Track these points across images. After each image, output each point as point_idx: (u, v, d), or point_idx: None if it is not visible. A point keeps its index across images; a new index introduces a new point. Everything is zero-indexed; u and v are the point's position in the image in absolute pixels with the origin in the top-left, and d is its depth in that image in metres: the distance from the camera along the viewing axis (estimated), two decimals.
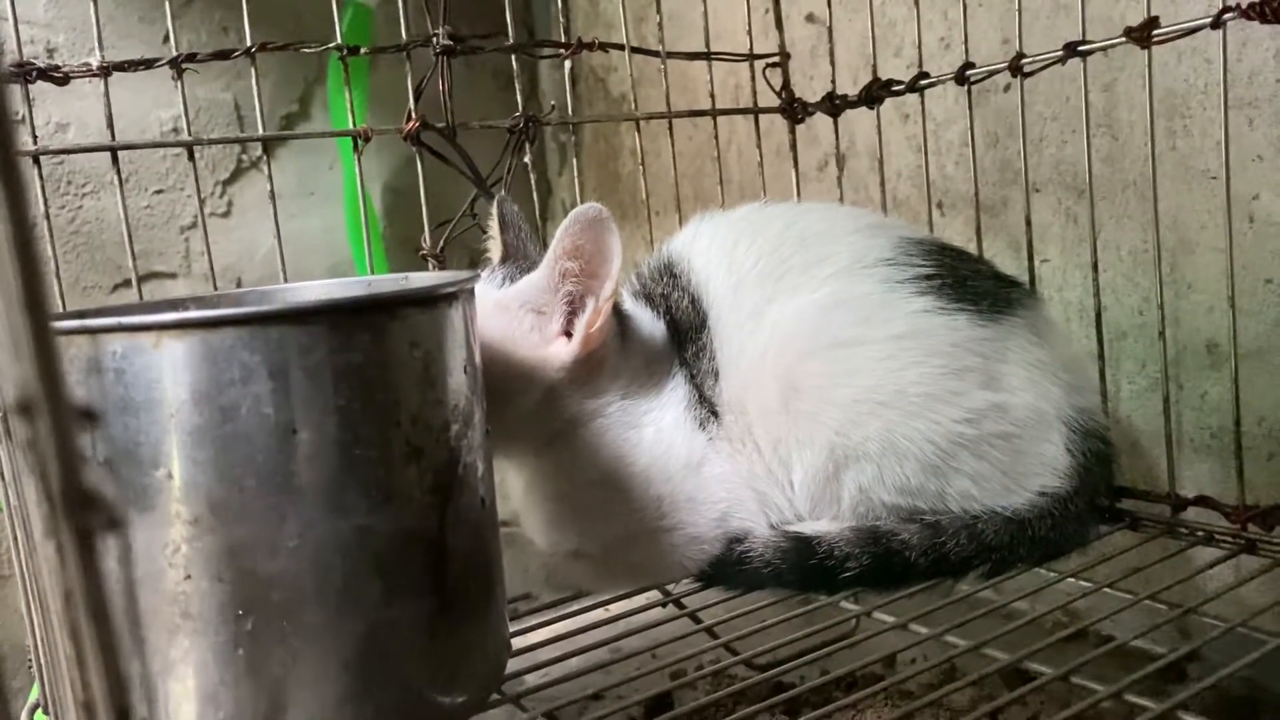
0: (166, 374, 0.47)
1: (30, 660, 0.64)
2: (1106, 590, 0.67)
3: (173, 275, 1.46)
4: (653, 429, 0.74)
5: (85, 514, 0.18)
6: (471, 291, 0.58)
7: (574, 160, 1.07)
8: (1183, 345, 0.86)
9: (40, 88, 0.74)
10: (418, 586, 0.52)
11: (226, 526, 0.48)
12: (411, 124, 0.79)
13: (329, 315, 0.50)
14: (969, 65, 0.84)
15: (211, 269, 0.79)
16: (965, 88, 0.85)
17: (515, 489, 0.77)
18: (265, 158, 0.81)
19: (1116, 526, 0.76)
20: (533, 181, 0.86)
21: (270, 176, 0.79)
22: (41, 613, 0.53)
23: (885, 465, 0.70)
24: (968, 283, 0.74)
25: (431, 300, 0.53)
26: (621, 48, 0.90)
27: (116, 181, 0.74)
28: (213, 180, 1.47)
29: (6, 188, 0.17)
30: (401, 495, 0.52)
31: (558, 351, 0.72)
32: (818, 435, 0.71)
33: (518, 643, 0.66)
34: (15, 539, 0.59)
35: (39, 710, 0.66)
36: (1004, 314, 0.73)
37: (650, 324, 0.77)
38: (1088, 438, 0.73)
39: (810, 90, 1.03)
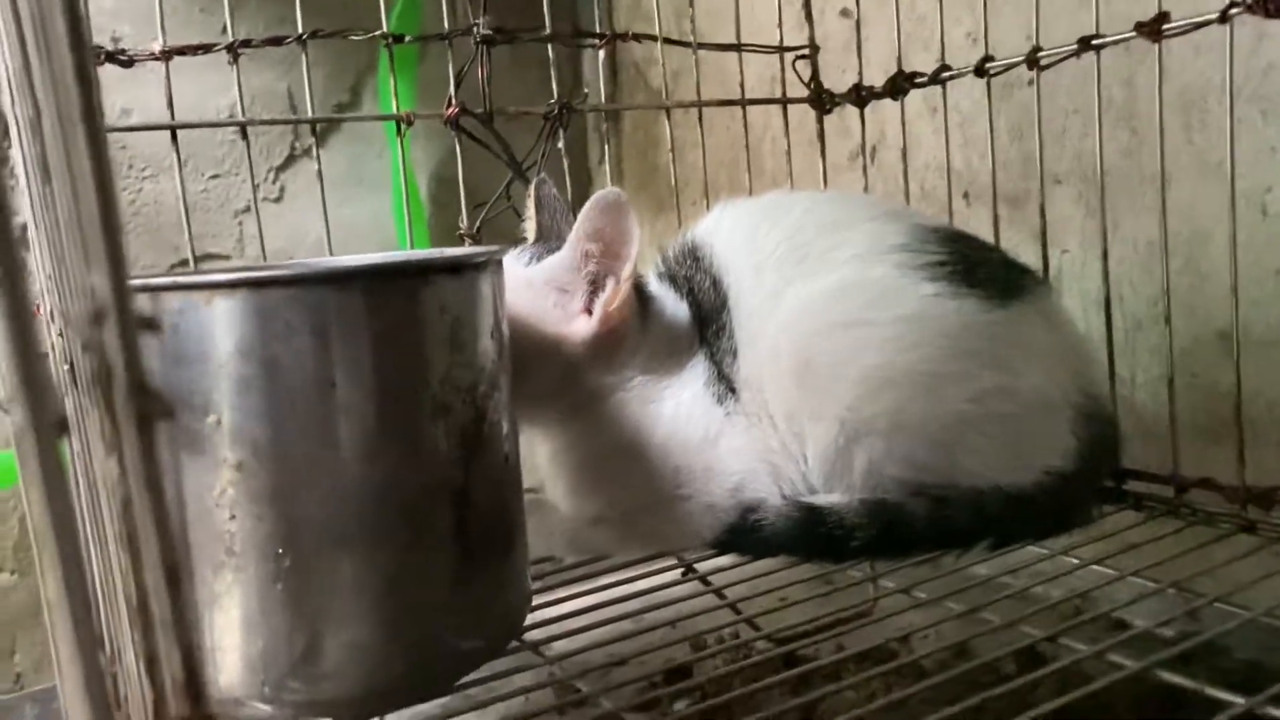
0: (217, 329, 0.51)
1: None
2: (1098, 567, 0.70)
3: (226, 257, 1.52)
4: (672, 403, 0.78)
5: (145, 400, 0.22)
6: (499, 263, 0.62)
7: (612, 149, 1.11)
8: (1196, 335, 0.88)
9: (106, 76, 0.79)
10: (443, 534, 0.57)
11: (268, 471, 0.52)
12: (451, 110, 0.83)
13: (365, 279, 0.54)
14: (988, 59, 0.87)
15: (263, 250, 0.84)
16: (985, 81, 0.88)
17: (542, 456, 0.81)
18: (315, 144, 0.85)
19: (1120, 506, 0.78)
20: (566, 168, 0.90)
21: (318, 158, 0.83)
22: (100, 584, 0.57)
23: (893, 441, 0.73)
24: (979, 269, 0.76)
25: (460, 268, 0.57)
26: (655, 39, 0.93)
27: (175, 160, 0.79)
28: (266, 166, 1.53)
29: (96, 169, 0.21)
30: (429, 448, 0.56)
31: (579, 328, 0.76)
32: (828, 411, 0.74)
33: (542, 613, 0.70)
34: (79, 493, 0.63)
35: None
36: (1014, 299, 0.76)
37: (673, 304, 0.81)
38: (1093, 421, 0.75)
39: (845, 83, 1.06)
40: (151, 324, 0.22)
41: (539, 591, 0.72)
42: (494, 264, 0.61)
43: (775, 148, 1.28)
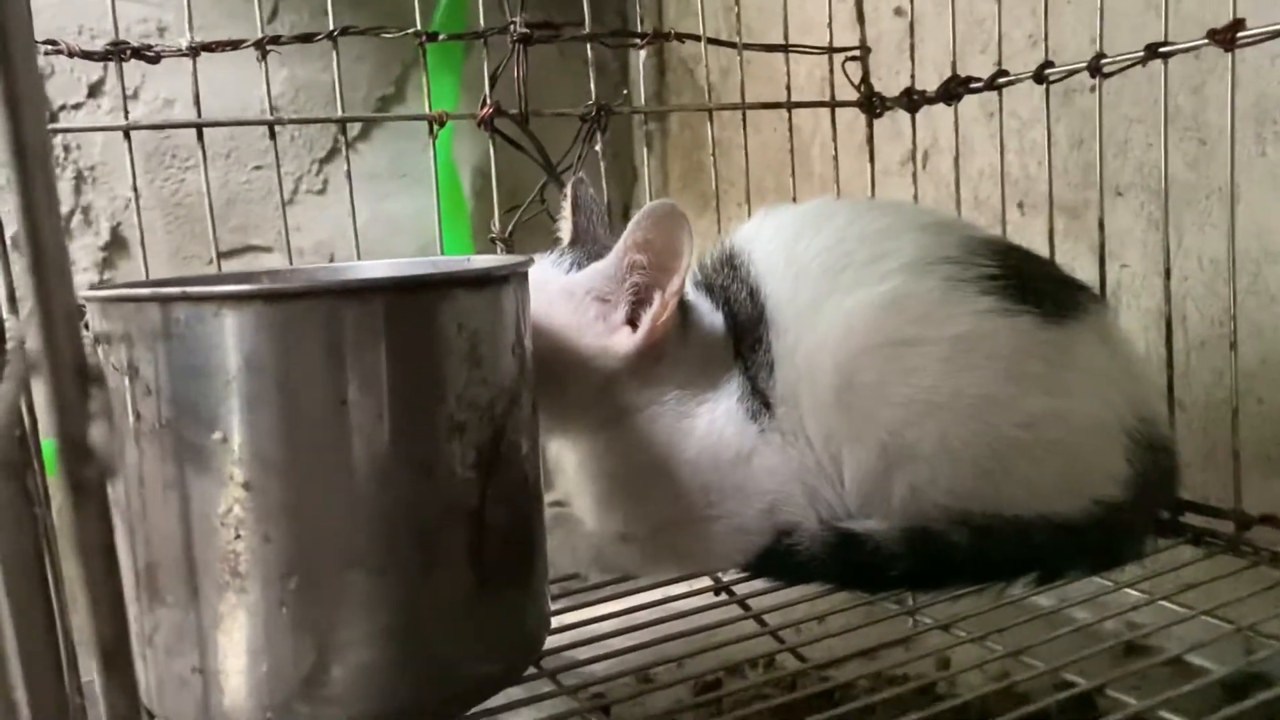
0: (226, 342, 0.49)
1: None
2: (1162, 603, 0.66)
3: (268, 249, 1.51)
4: (705, 419, 0.74)
5: (78, 463, 0.19)
6: (523, 276, 0.59)
7: (657, 149, 1.08)
8: (1264, 358, 0.83)
9: (148, 67, 0.78)
10: (457, 558, 0.54)
11: (276, 490, 0.50)
12: (486, 110, 0.81)
13: (379, 294, 0.52)
14: (1048, 64, 0.83)
15: (288, 244, 0.83)
16: (1044, 87, 0.84)
17: (569, 468, 0.78)
18: (345, 146, 0.83)
19: (1177, 540, 0.74)
20: (604, 170, 0.87)
21: (348, 159, 0.82)
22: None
23: (938, 467, 0.70)
24: (1033, 284, 0.72)
25: (480, 283, 0.55)
26: (698, 38, 0.90)
27: (201, 157, 0.77)
28: (309, 158, 1.51)
29: (18, 173, 0.19)
30: (444, 469, 0.53)
31: (620, 342, 0.73)
32: (870, 433, 0.71)
33: (567, 624, 0.67)
34: None
35: None
36: (1069, 318, 0.72)
37: (710, 315, 0.78)
38: (1150, 449, 0.71)
39: (898, 85, 1.02)
40: (90, 375, 0.20)
41: (562, 611, 0.70)
42: (517, 277, 0.58)
43: (824, 151, 1.24)
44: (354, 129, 1.50)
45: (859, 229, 0.75)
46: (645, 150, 0.95)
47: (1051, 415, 0.69)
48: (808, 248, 0.75)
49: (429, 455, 0.53)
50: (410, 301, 0.52)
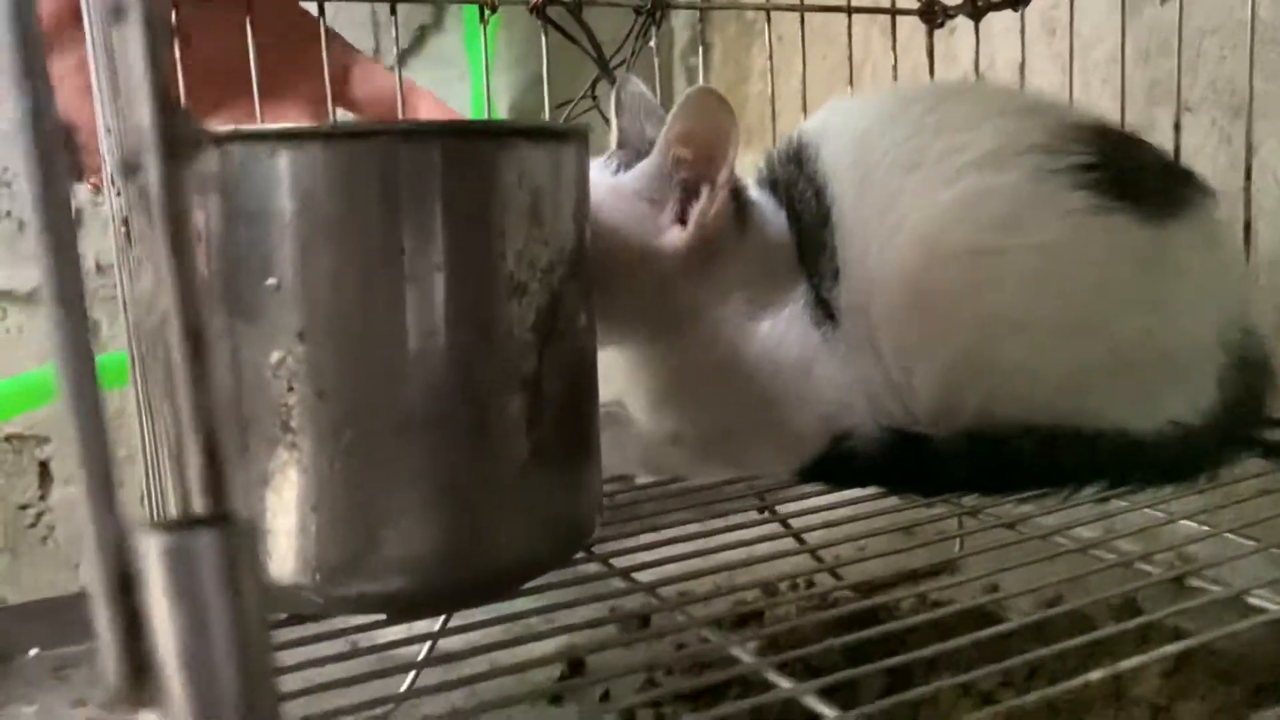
0: (281, 184, 0.47)
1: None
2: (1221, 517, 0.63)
3: None
4: (766, 323, 0.71)
5: (172, 120, 0.17)
6: (585, 138, 0.57)
7: (701, 77, 1.05)
8: None
9: None
10: (513, 425, 0.52)
11: (330, 342, 0.48)
12: None
13: (440, 137, 0.49)
14: None
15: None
16: None
17: (622, 369, 0.75)
18: (394, 21, 0.80)
19: (1249, 454, 0.71)
20: (657, 66, 0.84)
21: (397, 40, 0.79)
22: (147, 399, 0.54)
23: (1016, 385, 0.66)
24: (1132, 175, 0.67)
25: (542, 136, 0.52)
26: None
27: (248, 29, 0.75)
28: None
29: None
30: (502, 329, 0.51)
31: (672, 240, 0.70)
32: (942, 353, 0.67)
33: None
34: (128, 318, 0.58)
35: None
36: (1170, 215, 0.66)
37: (773, 215, 0.74)
38: (1245, 366, 0.67)
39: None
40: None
41: (606, 539, 0.66)
42: (578, 138, 0.56)
43: (876, 75, 1.21)
44: (390, 58, 1.47)
45: (936, 119, 0.69)
46: (700, 50, 0.92)
47: (1143, 334, 0.65)
48: (880, 141, 0.70)
49: (488, 313, 0.51)
50: (470, 147, 0.50)
